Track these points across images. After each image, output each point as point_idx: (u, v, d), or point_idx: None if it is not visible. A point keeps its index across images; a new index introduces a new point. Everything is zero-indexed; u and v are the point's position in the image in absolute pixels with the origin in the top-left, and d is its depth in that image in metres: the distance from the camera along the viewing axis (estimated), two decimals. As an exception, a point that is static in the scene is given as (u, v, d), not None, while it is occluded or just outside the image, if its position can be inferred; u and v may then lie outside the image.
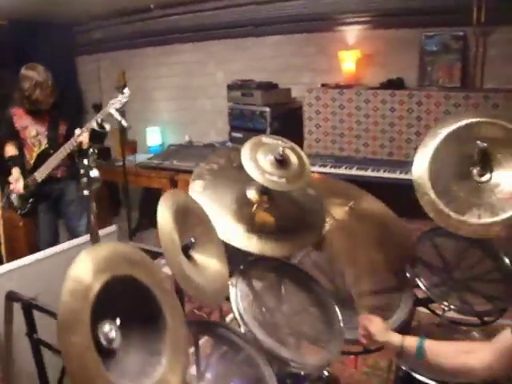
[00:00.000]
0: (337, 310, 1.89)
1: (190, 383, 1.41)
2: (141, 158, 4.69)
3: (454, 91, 3.24)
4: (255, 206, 1.88)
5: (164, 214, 1.44)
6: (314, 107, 3.63)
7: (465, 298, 2.13)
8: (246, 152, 1.75)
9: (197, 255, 1.59)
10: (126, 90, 3.24)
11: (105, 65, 5.46)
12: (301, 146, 3.76)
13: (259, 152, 1.78)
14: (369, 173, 3.25)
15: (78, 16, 4.90)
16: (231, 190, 1.92)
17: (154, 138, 5.11)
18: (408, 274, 2.15)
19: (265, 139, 1.83)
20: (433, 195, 2.05)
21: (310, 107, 3.65)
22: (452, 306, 2.09)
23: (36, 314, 1.92)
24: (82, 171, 1.53)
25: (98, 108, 3.44)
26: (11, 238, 4.05)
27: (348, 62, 3.69)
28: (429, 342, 1.54)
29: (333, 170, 3.36)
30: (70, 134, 3.30)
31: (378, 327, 1.68)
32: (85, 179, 1.53)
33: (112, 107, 3.18)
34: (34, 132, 3.43)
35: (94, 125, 3.14)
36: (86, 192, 1.55)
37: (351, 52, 3.67)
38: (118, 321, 1.19)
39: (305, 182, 1.78)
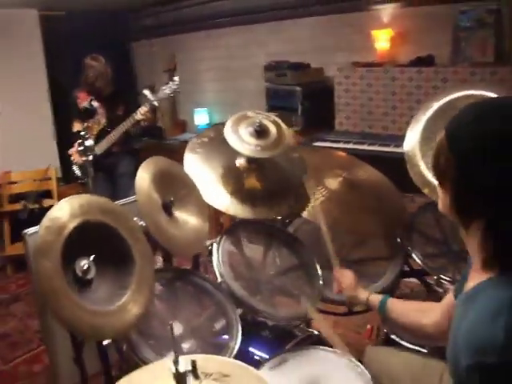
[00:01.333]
0: (318, 270, 2.12)
1: (163, 320, 1.71)
2: (187, 136, 5.08)
3: (481, 67, 3.29)
4: (244, 173, 2.14)
5: (142, 175, 1.76)
6: (344, 85, 3.80)
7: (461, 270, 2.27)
8: (229, 125, 2.03)
9: (178, 213, 1.89)
10: (177, 79, 3.65)
11: (157, 49, 5.95)
12: (332, 123, 3.96)
13: (242, 125, 2.05)
14: (391, 149, 3.38)
15: (130, 4, 5.34)
16: (222, 159, 2.19)
17: (201, 117, 5.49)
18: (400, 243, 2.33)
19: (249, 113, 2.10)
20: (422, 166, 2.21)
21: (339, 86, 3.84)
22: (444, 277, 2.24)
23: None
24: (79, 141, 1.88)
25: (151, 89, 3.85)
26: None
27: (381, 41, 3.81)
28: (391, 300, 1.74)
29: (356, 146, 3.50)
30: (126, 115, 3.80)
31: (348, 282, 1.88)
32: (82, 147, 1.87)
33: (163, 92, 3.63)
34: (84, 104, 4.03)
35: (147, 106, 3.65)
36: (83, 158, 1.89)
37: (384, 31, 3.79)
38: (91, 257, 1.51)
39: (282, 150, 2.01)
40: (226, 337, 1.76)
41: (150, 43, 5.99)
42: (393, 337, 1.98)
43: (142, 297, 1.55)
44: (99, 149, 3.82)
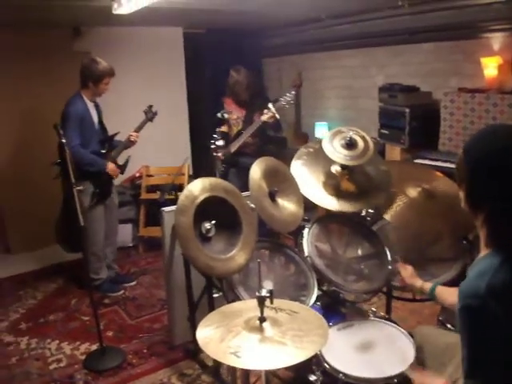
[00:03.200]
0: (389, 257, 2.71)
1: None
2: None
3: None
4: (339, 177, 2.80)
5: (255, 169, 2.52)
6: (449, 109, 4.29)
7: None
8: (326, 138, 2.70)
9: (280, 200, 2.63)
10: (293, 92, 4.45)
11: (284, 66, 6.81)
12: (436, 143, 4.46)
13: (337, 138, 2.71)
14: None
15: (263, 25, 6.25)
16: (324, 165, 2.87)
17: (321, 131, 6.16)
18: (466, 247, 2.84)
19: (343, 129, 2.75)
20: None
21: (445, 109, 4.33)
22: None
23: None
24: (212, 140, 2.68)
25: (274, 102, 4.56)
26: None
27: (490, 68, 4.23)
28: (440, 287, 2.25)
29: (452, 165, 3.97)
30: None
31: (407, 273, 2.45)
32: (214, 146, 2.67)
33: (279, 103, 4.41)
34: (235, 116, 4.95)
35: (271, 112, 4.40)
36: (214, 154, 2.68)
37: (493, 58, 4.21)
38: (213, 221, 2.28)
39: (366, 160, 2.64)
40: (304, 296, 2.44)
41: (278, 60, 6.88)
42: (448, 325, 2.50)
43: (245, 254, 2.30)
44: (233, 147, 4.72)
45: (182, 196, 2.18)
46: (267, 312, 1.79)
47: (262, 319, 1.77)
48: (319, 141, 3.00)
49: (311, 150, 2.97)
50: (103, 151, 4.15)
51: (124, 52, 5.79)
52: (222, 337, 1.72)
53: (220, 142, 2.73)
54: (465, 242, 2.85)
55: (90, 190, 4.05)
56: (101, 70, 4.00)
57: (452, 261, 2.84)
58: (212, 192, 2.28)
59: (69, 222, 4.24)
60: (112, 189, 4.34)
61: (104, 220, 4.29)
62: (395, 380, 2.03)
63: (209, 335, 1.75)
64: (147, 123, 4.40)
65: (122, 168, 4.30)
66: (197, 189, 2.24)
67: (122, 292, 4.41)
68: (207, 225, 2.26)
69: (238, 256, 2.27)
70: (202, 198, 2.23)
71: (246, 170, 4.74)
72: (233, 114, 4.95)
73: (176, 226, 2.15)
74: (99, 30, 5.54)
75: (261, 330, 1.74)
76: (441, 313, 2.63)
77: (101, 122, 4.24)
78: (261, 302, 1.77)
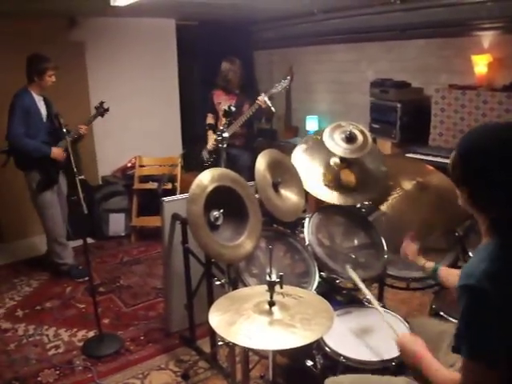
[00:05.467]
0: (385, 250, 2.86)
1: (263, 264, 2.55)
2: (297, 141, 5.91)
3: None
4: (336, 169, 2.94)
5: (261, 160, 2.64)
6: (440, 105, 4.45)
7: None
8: (327, 130, 2.83)
9: (283, 191, 2.77)
10: (288, 78, 4.59)
11: (276, 59, 6.96)
12: (427, 138, 4.62)
13: (337, 131, 2.84)
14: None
15: (254, 18, 6.37)
16: (323, 155, 3.00)
17: (312, 124, 6.33)
18: (458, 239, 3.00)
19: (343, 123, 2.88)
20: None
21: (436, 105, 4.50)
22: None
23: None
24: (218, 132, 2.79)
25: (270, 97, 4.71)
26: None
27: (480, 65, 4.40)
28: (442, 268, 2.37)
29: (443, 160, 4.11)
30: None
31: (411, 250, 2.56)
32: (220, 137, 2.78)
33: (276, 88, 4.56)
34: (224, 107, 4.98)
35: (263, 100, 4.57)
36: (219, 145, 2.79)
37: (483, 56, 4.37)
38: (221, 210, 2.40)
39: (364, 153, 2.77)
40: (305, 283, 2.57)
41: (270, 53, 7.04)
42: (441, 313, 2.66)
43: (252, 241, 2.43)
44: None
45: (194, 185, 2.29)
46: (275, 297, 1.90)
47: (272, 303, 1.88)
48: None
49: (319, 137, 3.05)
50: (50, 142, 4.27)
51: (118, 42, 5.91)
52: (233, 320, 1.82)
53: (226, 134, 2.83)
54: (457, 234, 3.02)
55: (37, 178, 4.22)
56: (43, 64, 4.13)
57: (444, 252, 3.00)
58: (220, 182, 2.39)
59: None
60: (58, 177, 4.44)
61: (58, 206, 4.42)
62: (393, 363, 2.17)
63: (220, 318, 1.85)
64: (97, 118, 4.52)
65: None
66: (207, 179, 2.35)
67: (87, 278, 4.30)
68: (216, 213, 2.38)
69: (245, 243, 2.40)
70: (211, 187, 2.34)
71: (235, 162, 4.94)
72: (222, 104, 5.08)
73: (188, 215, 2.26)
74: (94, 20, 5.62)
75: (270, 313, 1.85)
76: (434, 301, 2.77)
77: (49, 115, 4.28)
78: (271, 286, 1.89)
